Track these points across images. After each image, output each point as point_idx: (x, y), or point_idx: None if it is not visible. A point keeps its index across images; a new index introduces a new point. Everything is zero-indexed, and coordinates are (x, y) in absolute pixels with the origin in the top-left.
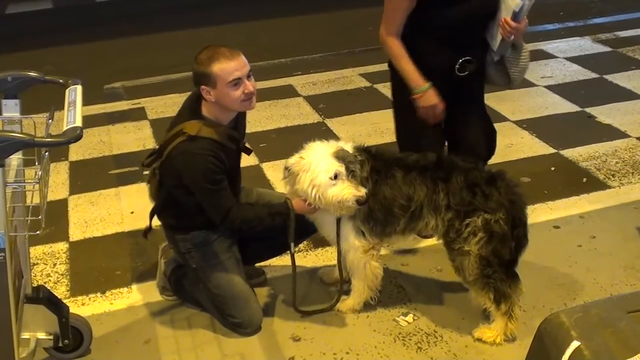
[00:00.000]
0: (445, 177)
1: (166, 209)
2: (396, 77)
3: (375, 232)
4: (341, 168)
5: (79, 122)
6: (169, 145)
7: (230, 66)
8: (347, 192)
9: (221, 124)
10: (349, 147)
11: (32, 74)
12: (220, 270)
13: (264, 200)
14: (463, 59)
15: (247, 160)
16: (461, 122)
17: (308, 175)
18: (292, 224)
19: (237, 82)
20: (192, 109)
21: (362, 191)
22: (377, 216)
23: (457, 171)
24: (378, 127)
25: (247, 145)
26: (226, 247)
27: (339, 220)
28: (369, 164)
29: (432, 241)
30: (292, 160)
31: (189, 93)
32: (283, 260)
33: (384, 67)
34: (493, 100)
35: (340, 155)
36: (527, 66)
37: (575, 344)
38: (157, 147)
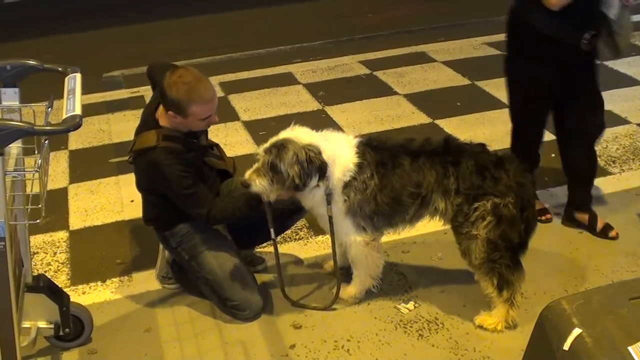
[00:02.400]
0: (455, 161)
1: (147, 212)
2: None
3: (377, 226)
4: (261, 155)
5: (78, 110)
6: (136, 157)
7: (206, 109)
8: (247, 170)
9: (179, 130)
10: (351, 143)
11: (31, 62)
12: (212, 256)
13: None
14: (591, 34)
15: (246, 148)
16: (574, 107)
17: None
18: (268, 209)
19: (207, 117)
20: (154, 116)
21: (250, 180)
22: (384, 210)
23: (466, 155)
24: (378, 115)
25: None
26: (215, 233)
27: (330, 218)
28: (373, 159)
29: (434, 229)
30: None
31: None
32: (283, 247)
33: (384, 54)
34: (492, 87)
35: (277, 144)
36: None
37: (576, 331)
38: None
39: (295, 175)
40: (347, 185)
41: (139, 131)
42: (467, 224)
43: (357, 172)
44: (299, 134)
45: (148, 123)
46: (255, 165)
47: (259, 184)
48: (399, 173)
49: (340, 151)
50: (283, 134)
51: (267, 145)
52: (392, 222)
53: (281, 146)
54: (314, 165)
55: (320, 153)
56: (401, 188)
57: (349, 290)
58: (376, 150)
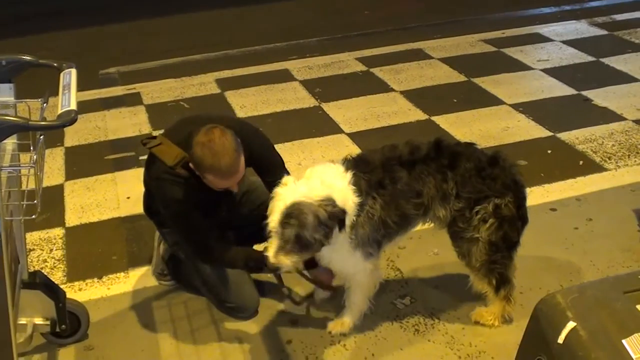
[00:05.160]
0: (451, 164)
1: (148, 206)
2: None
3: (382, 246)
4: (275, 229)
5: (73, 106)
6: (151, 155)
7: (222, 182)
8: (268, 250)
9: None
10: (346, 178)
11: (26, 57)
12: None
13: (256, 191)
14: None
15: None
16: None
17: (270, 207)
18: (276, 276)
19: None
20: (192, 138)
21: (279, 263)
22: (392, 229)
23: (462, 157)
24: (374, 111)
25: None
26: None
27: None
28: (370, 184)
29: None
30: (284, 181)
31: (184, 78)
32: None
33: (380, 51)
34: (489, 83)
35: (292, 212)
36: None
37: (571, 324)
38: (159, 134)
39: (322, 237)
40: (354, 226)
41: (172, 135)
42: (469, 229)
43: (360, 209)
44: (303, 191)
45: (183, 137)
46: (274, 243)
47: (290, 262)
48: (400, 187)
49: (342, 192)
50: (287, 198)
51: (278, 217)
52: (395, 238)
53: (298, 213)
54: (336, 219)
55: (335, 204)
56: (405, 202)
57: (345, 321)
58: (369, 172)
